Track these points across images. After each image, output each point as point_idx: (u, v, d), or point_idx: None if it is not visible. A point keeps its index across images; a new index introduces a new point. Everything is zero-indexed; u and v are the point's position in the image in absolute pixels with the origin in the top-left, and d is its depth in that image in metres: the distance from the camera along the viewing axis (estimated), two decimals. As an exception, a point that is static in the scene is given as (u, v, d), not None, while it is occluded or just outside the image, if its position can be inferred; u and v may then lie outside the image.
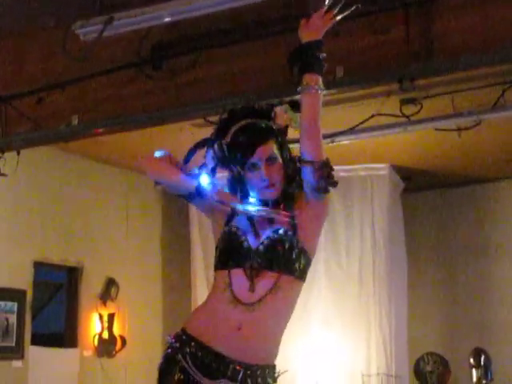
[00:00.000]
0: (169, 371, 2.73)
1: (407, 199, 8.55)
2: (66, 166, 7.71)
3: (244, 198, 2.78)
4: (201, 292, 8.28)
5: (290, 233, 2.71)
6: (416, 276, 8.53)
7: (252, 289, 2.66)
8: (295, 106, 2.82)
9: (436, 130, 6.20)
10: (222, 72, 4.35)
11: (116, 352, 7.97)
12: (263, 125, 2.81)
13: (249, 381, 2.63)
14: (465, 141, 6.55)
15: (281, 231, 2.71)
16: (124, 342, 8.01)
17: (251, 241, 2.73)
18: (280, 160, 2.79)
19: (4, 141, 5.24)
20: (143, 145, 7.28)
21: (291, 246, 2.69)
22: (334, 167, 2.78)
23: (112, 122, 4.88)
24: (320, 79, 2.69)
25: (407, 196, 8.55)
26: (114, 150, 7.50)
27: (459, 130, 6.16)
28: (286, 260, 2.69)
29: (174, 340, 2.76)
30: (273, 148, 2.78)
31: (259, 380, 2.65)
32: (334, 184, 2.66)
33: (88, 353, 7.77)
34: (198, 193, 2.76)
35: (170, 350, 2.75)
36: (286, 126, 2.86)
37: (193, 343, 2.71)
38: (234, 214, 2.79)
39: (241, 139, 2.77)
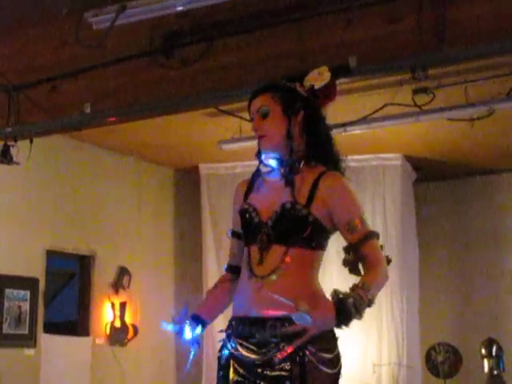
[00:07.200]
0: (223, 362, 2.85)
1: (419, 189, 8.55)
2: (79, 155, 7.74)
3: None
4: (212, 281, 8.26)
5: (298, 205, 2.74)
6: (428, 266, 8.54)
7: (261, 262, 2.76)
8: (336, 72, 2.81)
9: (448, 119, 6.19)
10: (234, 61, 4.34)
11: (128, 340, 8.01)
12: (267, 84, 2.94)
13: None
14: (477, 131, 6.54)
15: (288, 205, 2.76)
16: (136, 330, 8.05)
17: (262, 215, 2.82)
18: (277, 113, 2.82)
19: (17, 129, 5.25)
20: (155, 134, 7.32)
21: (298, 219, 2.73)
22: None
23: (124, 110, 4.87)
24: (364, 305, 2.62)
25: (419, 186, 8.55)
26: (126, 138, 7.52)
27: (472, 119, 6.15)
28: (293, 233, 2.75)
29: (226, 329, 2.89)
30: (264, 101, 2.85)
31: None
32: None
33: (100, 341, 7.81)
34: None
35: (222, 341, 2.88)
36: (312, 86, 2.85)
37: (233, 322, 2.84)
38: (248, 190, 2.92)
39: None
